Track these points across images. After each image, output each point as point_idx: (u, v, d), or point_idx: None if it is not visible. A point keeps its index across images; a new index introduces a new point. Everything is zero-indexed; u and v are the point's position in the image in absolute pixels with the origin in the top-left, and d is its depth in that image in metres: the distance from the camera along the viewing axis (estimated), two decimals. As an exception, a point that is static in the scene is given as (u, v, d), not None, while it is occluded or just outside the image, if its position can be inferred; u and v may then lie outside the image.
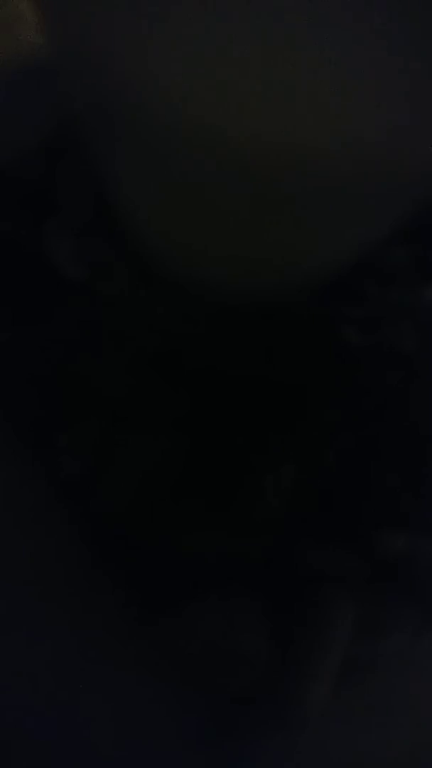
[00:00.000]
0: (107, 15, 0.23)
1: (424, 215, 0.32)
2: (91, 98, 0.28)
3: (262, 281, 0.35)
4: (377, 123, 0.23)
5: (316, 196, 0.27)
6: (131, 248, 0.37)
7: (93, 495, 0.33)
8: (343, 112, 0.23)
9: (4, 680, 0.31)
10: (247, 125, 0.24)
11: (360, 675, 0.32)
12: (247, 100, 0.23)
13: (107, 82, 0.26)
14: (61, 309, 0.36)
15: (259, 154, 0.25)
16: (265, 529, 0.33)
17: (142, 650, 0.32)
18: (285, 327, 0.36)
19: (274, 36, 0.21)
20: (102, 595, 0.32)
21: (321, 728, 0.31)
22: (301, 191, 0.27)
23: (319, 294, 0.37)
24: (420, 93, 0.23)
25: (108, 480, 0.34)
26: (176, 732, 0.31)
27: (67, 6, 0.25)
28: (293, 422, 0.35)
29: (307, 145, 0.24)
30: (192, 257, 0.35)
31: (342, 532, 0.34)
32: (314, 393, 0.35)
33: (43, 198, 0.38)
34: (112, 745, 0.31)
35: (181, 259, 0.35)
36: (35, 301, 0.37)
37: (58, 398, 0.35)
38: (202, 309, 0.36)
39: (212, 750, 0.31)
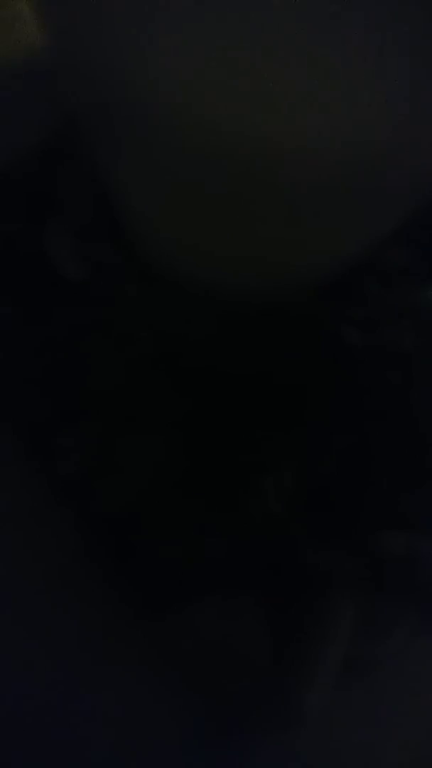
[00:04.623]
0: (107, 15, 0.23)
1: (424, 215, 0.32)
2: (91, 98, 0.28)
3: (262, 281, 0.35)
4: (377, 123, 0.23)
5: (316, 196, 0.27)
6: (131, 248, 0.37)
7: (93, 495, 0.33)
8: (343, 113, 0.23)
9: (4, 679, 0.31)
10: (248, 125, 0.24)
11: (360, 675, 0.32)
12: (247, 100, 0.23)
13: (107, 82, 0.26)
14: (61, 309, 0.36)
15: (259, 155, 0.25)
16: (266, 530, 0.33)
17: (143, 650, 0.32)
18: (285, 327, 0.36)
19: (274, 36, 0.21)
20: (103, 595, 0.32)
21: (321, 728, 0.31)
22: (302, 191, 0.27)
23: (319, 294, 0.37)
24: (420, 93, 0.23)
25: (108, 480, 0.34)
26: (176, 732, 0.31)
27: (67, 6, 0.25)
28: (293, 422, 0.35)
29: (307, 146, 0.24)
30: (192, 257, 0.35)
31: (342, 532, 0.34)
32: (314, 393, 0.35)
33: (43, 198, 0.38)
34: (112, 744, 0.31)
35: (181, 258, 0.35)
36: (35, 301, 0.37)
37: (58, 398, 0.35)
38: (203, 309, 0.36)
39: (212, 750, 0.31)
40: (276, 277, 0.35)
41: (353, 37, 0.21)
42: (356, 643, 0.32)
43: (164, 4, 0.22)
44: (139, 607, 0.32)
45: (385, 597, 0.33)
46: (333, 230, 0.31)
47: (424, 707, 0.33)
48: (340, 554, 0.33)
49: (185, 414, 0.34)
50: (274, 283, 0.35)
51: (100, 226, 0.38)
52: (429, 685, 0.33)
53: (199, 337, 0.36)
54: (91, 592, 0.32)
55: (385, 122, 0.24)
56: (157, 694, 0.32)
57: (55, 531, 0.33)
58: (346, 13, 0.20)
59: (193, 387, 0.35)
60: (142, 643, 0.32)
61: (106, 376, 0.35)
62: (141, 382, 0.35)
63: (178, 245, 0.34)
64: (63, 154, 0.39)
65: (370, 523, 0.34)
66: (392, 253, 0.38)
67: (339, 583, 0.33)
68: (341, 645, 0.32)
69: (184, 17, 0.22)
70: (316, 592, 0.33)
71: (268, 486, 0.34)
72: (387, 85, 0.22)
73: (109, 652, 0.32)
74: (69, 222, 0.38)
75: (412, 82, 0.22)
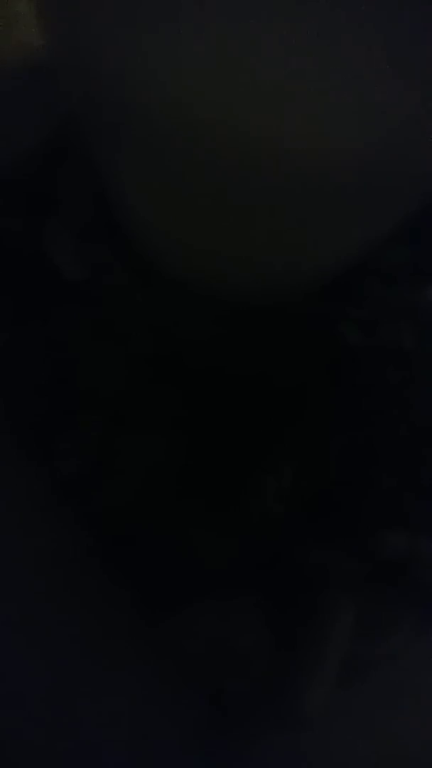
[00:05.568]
0: (107, 15, 0.23)
1: (424, 215, 0.32)
2: (91, 98, 0.28)
3: (263, 281, 0.35)
4: (377, 123, 0.23)
5: (316, 196, 0.27)
6: (131, 248, 0.37)
7: (93, 495, 0.33)
8: (343, 113, 0.23)
9: (4, 680, 0.31)
10: (248, 126, 0.24)
11: (360, 674, 0.32)
12: (247, 100, 0.23)
13: (107, 82, 0.26)
14: (61, 309, 0.36)
15: (259, 155, 0.25)
16: (266, 530, 0.33)
17: (143, 650, 0.32)
18: (285, 327, 0.36)
19: (275, 36, 0.21)
20: (102, 595, 0.32)
21: (321, 728, 0.31)
22: (302, 191, 0.27)
23: (320, 294, 0.37)
24: (420, 94, 0.23)
25: (108, 480, 0.34)
26: (176, 732, 0.31)
27: (67, 6, 0.25)
28: (293, 422, 0.35)
29: (307, 146, 0.24)
30: (192, 257, 0.35)
31: (342, 532, 0.34)
32: (315, 393, 0.35)
33: (43, 198, 0.38)
34: (112, 744, 0.31)
35: (182, 259, 0.35)
36: (35, 301, 0.37)
37: (58, 398, 0.35)
38: (202, 309, 0.36)
39: (212, 750, 0.31)
40: (276, 277, 0.35)
41: (353, 37, 0.21)
42: (356, 643, 0.32)
43: (164, 4, 0.22)
44: (139, 608, 0.32)
45: (385, 597, 0.33)
46: (333, 230, 0.31)
47: (423, 707, 0.33)
48: (340, 554, 0.33)
49: (185, 414, 0.34)
50: (274, 283, 0.35)
51: (100, 226, 0.38)
52: (429, 685, 0.33)
53: (198, 337, 0.36)
54: (90, 593, 0.32)
55: (385, 122, 0.24)
56: (157, 694, 0.32)
57: (55, 531, 0.33)
58: (346, 13, 0.20)
59: (192, 387, 0.35)
60: (143, 644, 0.32)
61: (105, 375, 0.35)
62: (141, 382, 0.35)
63: (178, 245, 0.34)
64: (63, 154, 0.39)
65: (371, 523, 0.34)
66: (392, 253, 0.38)
67: (339, 583, 0.33)
68: (341, 645, 0.32)
69: (184, 17, 0.22)
70: (316, 592, 0.33)
71: (268, 486, 0.34)
72: (387, 84, 0.22)
73: (109, 652, 0.32)
74: (69, 222, 0.38)
75: (412, 81, 0.22)
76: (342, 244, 0.33)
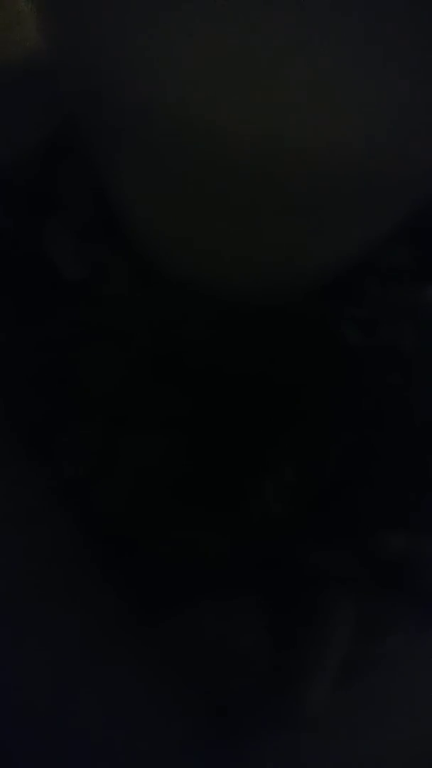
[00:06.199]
0: (107, 15, 0.23)
1: (424, 215, 0.32)
2: (91, 98, 0.28)
3: (263, 281, 0.35)
4: (377, 124, 0.23)
5: (316, 197, 0.27)
6: (131, 248, 0.37)
7: (93, 496, 0.33)
8: (343, 113, 0.23)
9: (3, 680, 0.31)
10: (248, 126, 0.24)
11: (360, 674, 0.32)
12: (247, 100, 0.23)
13: (107, 82, 0.26)
14: (61, 309, 0.36)
15: (259, 155, 0.25)
16: (266, 530, 0.33)
17: (143, 650, 0.32)
18: (285, 327, 0.36)
19: (275, 36, 0.21)
20: (102, 595, 0.32)
21: (321, 728, 0.31)
22: (302, 191, 0.27)
23: (320, 294, 0.37)
24: (419, 94, 0.23)
25: (108, 481, 0.34)
26: (176, 732, 0.31)
27: (67, 6, 0.25)
28: (294, 422, 0.35)
29: (307, 146, 0.24)
30: (192, 257, 0.35)
31: (343, 532, 0.34)
32: (315, 393, 0.35)
33: (43, 198, 0.38)
34: (112, 744, 0.31)
35: (181, 259, 0.35)
36: (35, 301, 0.37)
37: (58, 399, 0.35)
38: (203, 309, 0.36)
39: (212, 750, 0.31)
40: (276, 277, 0.35)
41: (353, 38, 0.21)
42: (356, 643, 0.32)
43: (165, 5, 0.22)
44: (140, 608, 0.32)
45: (385, 597, 0.33)
46: (333, 230, 0.31)
47: (423, 707, 0.33)
48: (340, 554, 0.33)
49: (185, 414, 0.34)
50: (274, 283, 0.35)
51: (100, 225, 0.38)
52: (429, 685, 0.33)
53: (198, 337, 0.36)
54: (90, 593, 0.32)
55: (384, 122, 0.24)
56: (157, 694, 0.32)
57: (55, 531, 0.33)
58: (346, 15, 0.20)
59: (192, 387, 0.35)
60: (143, 644, 0.32)
61: (105, 376, 0.35)
62: (140, 382, 0.35)
63: (178, 245, 0.34)
64: (63, 154, 0.39)
65: (370, 523, 0.34)
66: (392, 253, 0.38)
67: (339, 583, 0.33)
68: (341, 645, 0.32)
69: (184, 17, 0.22)
70: (316, 592, 0.33)
71: (268, 486, 0.34)
72: (387, 85, 0.22)
73: (108, 652, 0.32)
74: (69, 222, 0.38)
75: (411, 82, 0.22)
76: (342, 244, 0.33)
